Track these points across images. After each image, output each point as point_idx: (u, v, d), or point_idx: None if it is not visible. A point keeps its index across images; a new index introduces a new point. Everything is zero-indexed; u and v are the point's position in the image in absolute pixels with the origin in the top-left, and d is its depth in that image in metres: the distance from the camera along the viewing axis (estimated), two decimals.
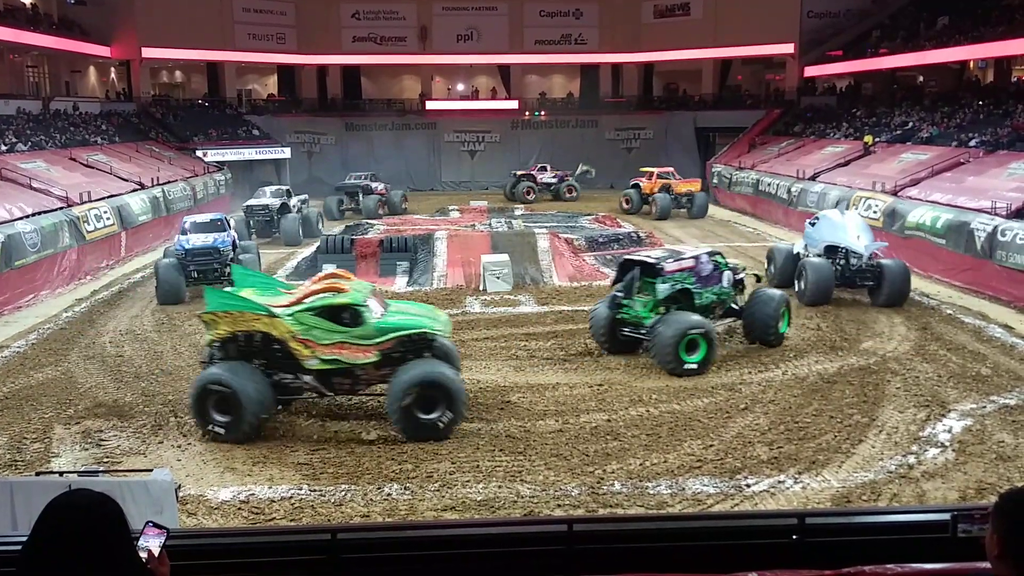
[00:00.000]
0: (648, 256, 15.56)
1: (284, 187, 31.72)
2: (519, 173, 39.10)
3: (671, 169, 35.55)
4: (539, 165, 39.78)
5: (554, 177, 39.24)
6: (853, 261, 18.52)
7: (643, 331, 14.49)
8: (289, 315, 11.37)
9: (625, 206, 34.59)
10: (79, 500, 2.21)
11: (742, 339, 15.70)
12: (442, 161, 46.26)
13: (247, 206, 28.54)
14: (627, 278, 14.93)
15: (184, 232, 20.57)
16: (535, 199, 37.62)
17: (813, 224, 20.05)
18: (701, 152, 45.28)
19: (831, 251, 18.97)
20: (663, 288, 14.48)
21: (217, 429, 11.10)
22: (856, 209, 24.10)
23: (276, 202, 28.88)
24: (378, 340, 11.42)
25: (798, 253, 19.68)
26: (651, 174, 34.79)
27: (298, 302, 11.70)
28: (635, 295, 14.74)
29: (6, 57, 36.30)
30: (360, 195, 33.92)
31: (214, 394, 11.05)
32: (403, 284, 21.25)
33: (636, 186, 34.79)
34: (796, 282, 18.85)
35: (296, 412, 12.34)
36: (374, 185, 34.63)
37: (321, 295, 11.77)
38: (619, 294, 14.81)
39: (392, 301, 13.72)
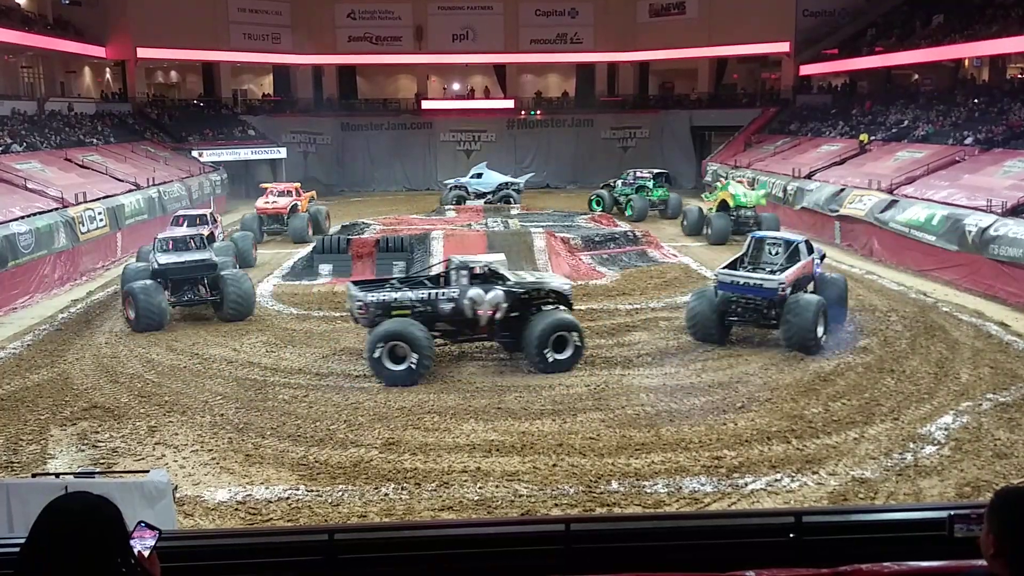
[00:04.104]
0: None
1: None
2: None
3: (297, 185, 31.07)
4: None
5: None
6: (514, 186, 34.63)
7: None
8: None
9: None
10: (76, 503, 2.21)
11: None
12: (438, 161, 46.26)
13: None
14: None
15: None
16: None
17: (479, 176, 34.97)
18: (697, 151, 45.38)
19: (504, 186, 34.51)
20: None
21: None
22: (852, 205, 25.59)
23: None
24: None
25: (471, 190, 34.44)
26: (269, 191, 29.89)
27: None
28: None
29: (1, 58, 36.20)
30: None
31: None
32: None
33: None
34: (512, 199, 33.91)
35: (292, 412, 12.34)
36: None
37: None
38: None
39: None
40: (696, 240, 27.27)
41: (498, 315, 14.50)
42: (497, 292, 14.46)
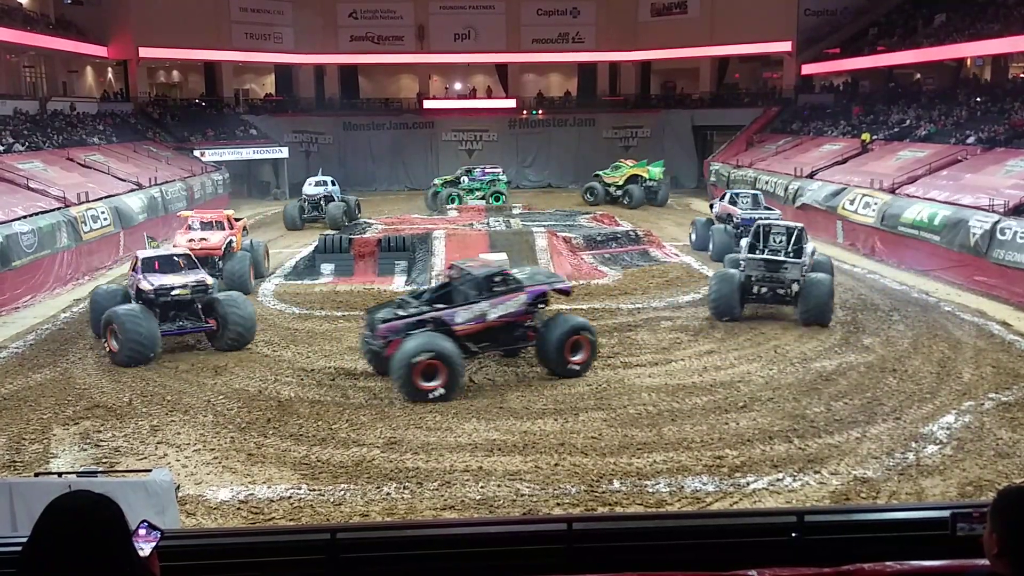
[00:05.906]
0: None
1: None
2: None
3: (229, 212, 26.44)
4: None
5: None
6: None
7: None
8: None
9: None
10: (78, 502, 2.21)
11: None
12: (440, 160, 46.19)
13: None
14: None
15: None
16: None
17: (334, 184, 33.02)
18: (698, 150, 45.34)
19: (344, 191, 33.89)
20: None
21: None
22: (854, 206, 25.32)
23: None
24: None
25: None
26: (189, 222, 22.84)
27: None
28: None
29: (3, 57, 36.21)
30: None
31: None
32: (401, 283, 21.21)
33: None
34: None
35: (294, 411, 12.35)
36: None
37: None
38: None
39: None
40: (600, 208, 34.44)
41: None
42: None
